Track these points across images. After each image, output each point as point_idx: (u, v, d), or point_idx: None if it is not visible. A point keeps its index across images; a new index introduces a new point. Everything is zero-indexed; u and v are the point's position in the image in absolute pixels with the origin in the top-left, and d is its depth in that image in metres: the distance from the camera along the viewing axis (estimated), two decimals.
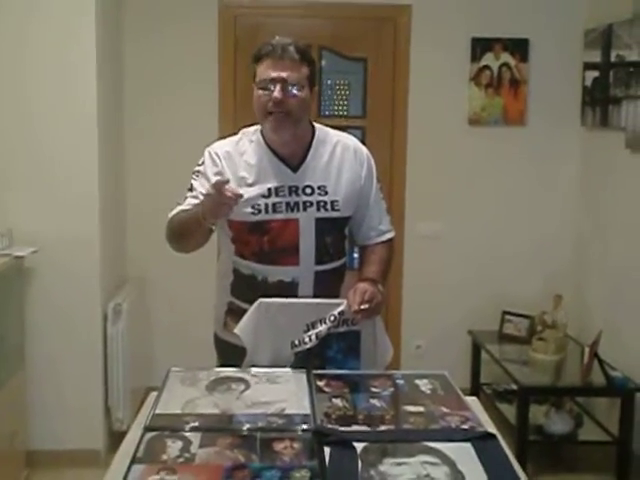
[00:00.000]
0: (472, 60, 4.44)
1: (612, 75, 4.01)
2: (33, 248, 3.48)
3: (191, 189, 2.27)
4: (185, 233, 2.23)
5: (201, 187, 2.23)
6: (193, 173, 2.30)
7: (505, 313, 4.52)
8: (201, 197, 2.18)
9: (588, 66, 4.30)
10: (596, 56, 4.18)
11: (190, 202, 2.23)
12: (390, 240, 2.43)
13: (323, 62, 4.47)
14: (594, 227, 4.39)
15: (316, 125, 2.35)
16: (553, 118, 4.50)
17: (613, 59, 4.00)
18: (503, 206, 4.59)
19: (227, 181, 2.02)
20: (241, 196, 2.03)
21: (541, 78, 4.47)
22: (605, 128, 4.13)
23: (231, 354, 2.30)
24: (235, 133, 2.36)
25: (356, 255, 2.50)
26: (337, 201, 2.27)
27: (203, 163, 2.29)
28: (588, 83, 4.30)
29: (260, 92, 2.18)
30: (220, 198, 1.99)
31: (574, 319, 4.36)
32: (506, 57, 4.45)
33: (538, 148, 4.54)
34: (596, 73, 4.20)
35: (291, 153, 2.26)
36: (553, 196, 4.60)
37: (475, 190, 4.58)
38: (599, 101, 4.17)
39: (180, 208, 2.25)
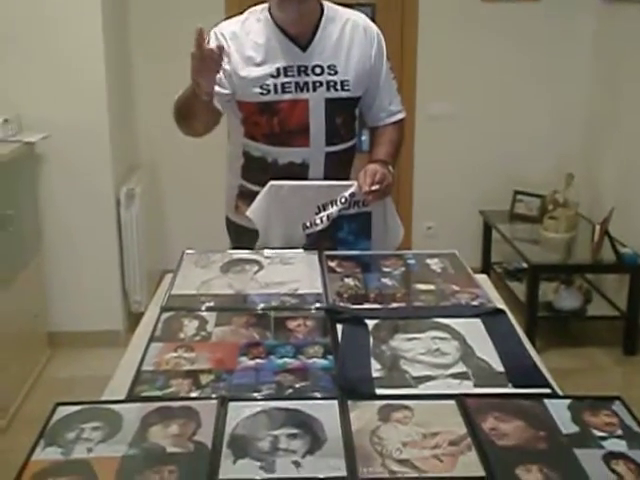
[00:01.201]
0: None
1: None
2: (43, 134, 3.48)
3: None
4: (187, 112, 2.16)
5: None
6: None
7: (517, 193, 4.53)
8: None
9: None
10: None
11: None
12: (401, 121, 2.40)
13: None
14: (608, 104, 4.32)
15: (325, 3, 2.28)
16: None
17: None
18: (516, 84, 4.52)
19: (202, 30, 1.92)
20: (222, 48, 1.95)
21: None
22: (622, 1, 4.00)
23: (243, 237, 2.32)
24: (241, 13, 2.30)
25: (364, 138, 2.48)
26: (347, 81, 2.24)
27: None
28: None
29: None
30: (200, 52, 1.91)
31: (586, 197, 4.36)
32: None
33: (553, 23, 4.42)
34: None
35: (299, 32, 2.21)
36: (567, 73, 4.51)
37: (487, 68, 4.49)
38: None
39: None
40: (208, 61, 1.94)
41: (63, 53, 3.56)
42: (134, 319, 3.64)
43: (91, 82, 3.60)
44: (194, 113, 2.16)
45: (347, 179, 2.27)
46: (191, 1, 4.19)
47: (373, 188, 2.11)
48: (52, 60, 3.56)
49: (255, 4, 2.28)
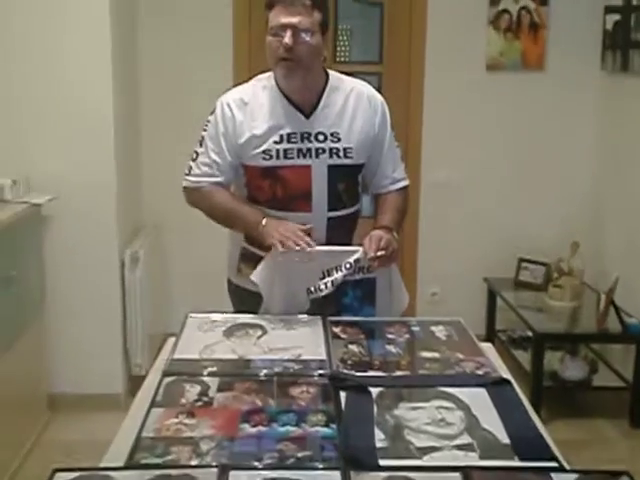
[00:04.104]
0: (491, 4, 4.34)
1: (634, 19, 3.92)
2: (50, 196, 3.49)
3: (201, 143, 2.28)
4: (229, 225, 2.37)
5: (209, 141, 2.25)
6: (205, 124, 2.29)
7: (521, 260, 4.52)
8: (213, 157, 2.25)
9: (609, 9, 4.19)
10: None
11: (204, 162, 2.27)
12: (404, 188, 2.42)
13: (338, 6, 4.39)
14: (612, 173, 4.34)
15: (330, 72, 2.32)
16: (573, 63, 4.41)
17: (635, 2, 3.91)
18: (521, 153, 4.54)
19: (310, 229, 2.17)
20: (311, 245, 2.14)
21: (561, 22, 4.37)
22: (625, 73, 4.05)
23: (245, 300, 2.32)
24: (248, 81, 2.34)
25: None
26: (350, 148, 2.25)
27: (214, 112, 2.28)
28: (609, 27, 4.21)
29: (271, 38, 2.16)
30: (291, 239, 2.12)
31: (591, 266, 4.35)
32: (526, 0, 4.35)
33: (557, 93, 4.46)
34: (617, 16, 4.11)
35: (304, 99, 2.24)
36: (571, 142, 4.54)
37: (492, 137, 4.53)
38: (620, 45, 4.09)
39: (217, 193, 2.30)
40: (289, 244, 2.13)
41: (73, 116, 3.59)
42: (135, 382, 3.60)
43: (100, 146, 3.62)
44: (235, 228, 2.38)
45: (350, 244, 2.28)
46: (201, 68, 4.26)
47: (379, 254, 2.11)
48: (62, 123, 3.59)
49: (263, 71, 2.32)
